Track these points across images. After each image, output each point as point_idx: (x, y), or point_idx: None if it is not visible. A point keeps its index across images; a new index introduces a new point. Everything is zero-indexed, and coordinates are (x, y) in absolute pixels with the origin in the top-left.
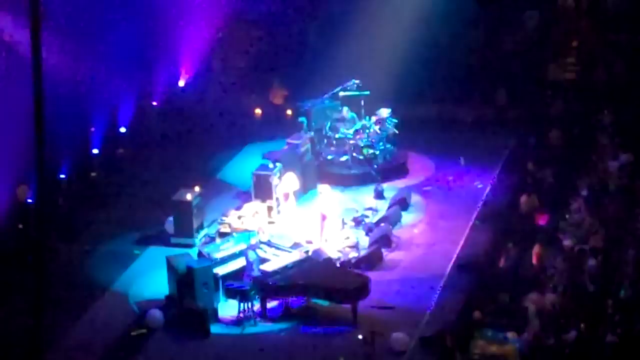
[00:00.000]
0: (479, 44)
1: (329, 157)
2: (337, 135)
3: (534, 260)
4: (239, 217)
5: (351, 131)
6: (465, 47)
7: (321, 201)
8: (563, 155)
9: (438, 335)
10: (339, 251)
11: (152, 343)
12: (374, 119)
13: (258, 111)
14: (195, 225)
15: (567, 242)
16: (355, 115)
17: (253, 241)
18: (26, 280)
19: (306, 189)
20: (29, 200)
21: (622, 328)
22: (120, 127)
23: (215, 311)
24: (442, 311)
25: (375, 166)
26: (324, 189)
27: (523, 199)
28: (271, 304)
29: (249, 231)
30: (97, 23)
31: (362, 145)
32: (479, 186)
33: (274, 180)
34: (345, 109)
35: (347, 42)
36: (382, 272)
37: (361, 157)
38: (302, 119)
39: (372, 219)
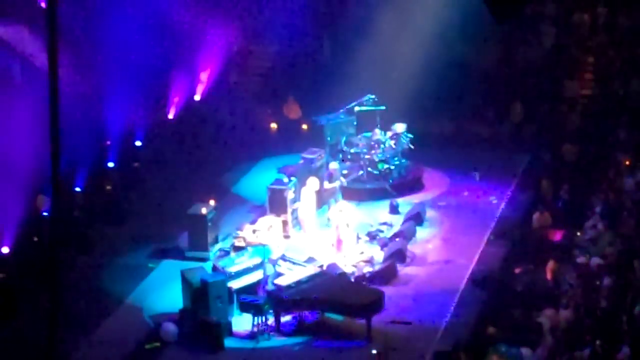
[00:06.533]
0: (495, 59)
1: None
2: (352, 150)
3: (549, 276)
4: (254, 231)
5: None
6: (481, 63)
7: (339, 215)
8: (578, 171)
9: (452, 351)
10: (354, 265)
11: (166, 356)
12: (389, 134)
13: (273, 125)
14: (210, 239)
15: (581, 259)
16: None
17: (274, 255)
18: (40, 293)
19: (321, 203)
20: (45, 213)
21: (636, 344)
22: (136, 140)
23: (229, 325)
24: (456, 326)
25: (390, 181)
26: (344, 205)
27: (535, 216)
28: (285, 318)
29: (264, 245)
30: (114, 36)
31: (377, 160)
32: (494, 201)
33: (289, 195)
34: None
35: (364, 58)
36: (397, 287)
37: (376, 172)
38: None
39: (387, 233)
